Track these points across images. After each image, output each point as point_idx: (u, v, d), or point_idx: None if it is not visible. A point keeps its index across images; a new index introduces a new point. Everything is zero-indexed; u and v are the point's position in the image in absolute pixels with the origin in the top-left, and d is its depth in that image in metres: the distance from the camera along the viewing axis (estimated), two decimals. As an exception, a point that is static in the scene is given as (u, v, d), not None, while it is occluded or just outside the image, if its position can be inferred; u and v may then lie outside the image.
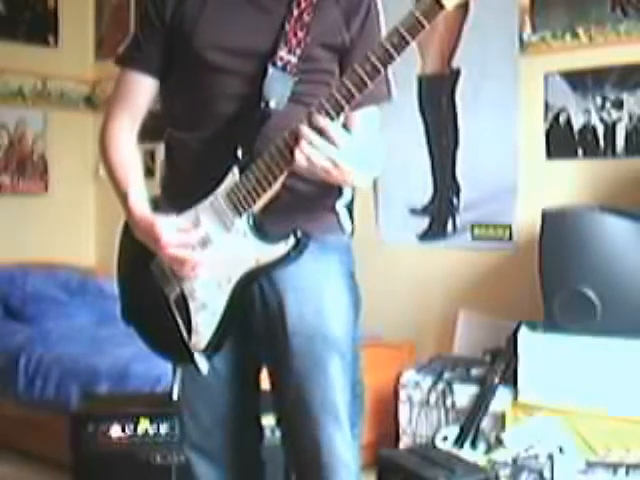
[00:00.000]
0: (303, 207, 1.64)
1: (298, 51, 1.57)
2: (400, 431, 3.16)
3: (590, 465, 2.63)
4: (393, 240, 3.82)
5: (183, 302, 1.61)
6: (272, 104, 1.55)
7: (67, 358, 3.43)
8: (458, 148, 3.60)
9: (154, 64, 1.68)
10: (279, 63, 1.56)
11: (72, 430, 2.70)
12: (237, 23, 1.60)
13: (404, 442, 3.14)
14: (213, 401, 1.75)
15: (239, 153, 1.54)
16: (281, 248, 1.53)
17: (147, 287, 1.65)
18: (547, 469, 2.61)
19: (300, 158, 1.42)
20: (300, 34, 1.57)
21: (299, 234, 1.52)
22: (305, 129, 1.42)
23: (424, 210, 3.72)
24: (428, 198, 3.70)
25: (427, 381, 3.14)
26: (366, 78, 1.41)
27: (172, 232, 1.52)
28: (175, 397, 1.76)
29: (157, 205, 1.62)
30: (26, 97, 4.74)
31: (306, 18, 1.58)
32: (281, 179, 1.51)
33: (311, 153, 1.42)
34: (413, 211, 3.74)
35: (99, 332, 3.86)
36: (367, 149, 1.57)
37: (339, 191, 1.70)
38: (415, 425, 3.13)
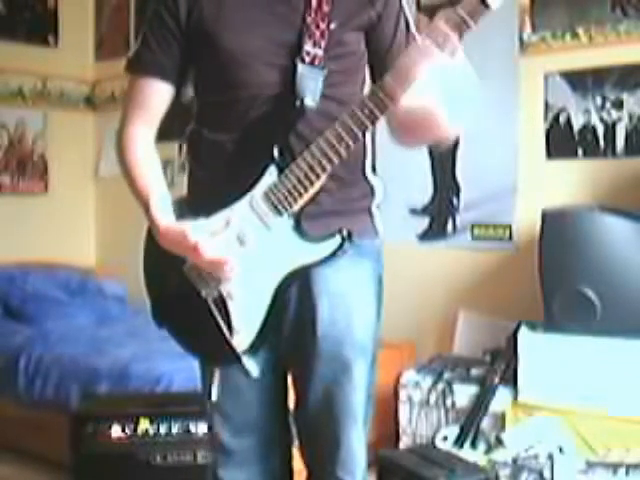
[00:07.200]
0: (341, 208, 1.62)
1: (323, 43, 1.54)
2: (400, 431, 3.17)
3: (590, 465, 2.63)
4: (393, 240, 3.79)
5: (222, 303, 1.56)
6: (307, 101, 1.52)
7: (67, 358, 3.43)
8: (458, 148, 3.59)
9: (169, 68, 1.62)
10: (307, 58, 1.53)
11: (72, 430, 2.69)
12: (261, 17, 1.56)
13: (404, 442, 3.14)
14: (244, 401, 1.71)
15: (275, 152, 1.51)
16: (327, 248, 1.51)
17: (181, 289, 1.60)
18: (547, 469, 2.61)
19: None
20: (322, 25, 1.54)
21: (344, 233, 1.50)
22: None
23: (424, 210, 3.71)
24: (428, 198, 3.70)
25: (427, 381, 3.14)
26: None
27: (205, 237, 1.46)
28: (214, 398, 1.67)
29: (182, 209, 1.55)
30: (26, 97, 4.73)
31: (325, 8, 1.54)
32: (323, 177, 1.49)
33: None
34: (413, 211, 3.74)
35: (99, 332, 3.86)
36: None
37: (372, 192, 1.69)
38: (415, 425, 3.13)
